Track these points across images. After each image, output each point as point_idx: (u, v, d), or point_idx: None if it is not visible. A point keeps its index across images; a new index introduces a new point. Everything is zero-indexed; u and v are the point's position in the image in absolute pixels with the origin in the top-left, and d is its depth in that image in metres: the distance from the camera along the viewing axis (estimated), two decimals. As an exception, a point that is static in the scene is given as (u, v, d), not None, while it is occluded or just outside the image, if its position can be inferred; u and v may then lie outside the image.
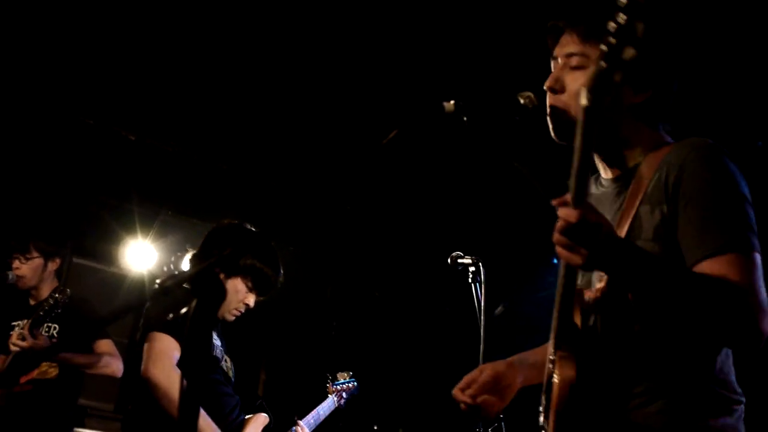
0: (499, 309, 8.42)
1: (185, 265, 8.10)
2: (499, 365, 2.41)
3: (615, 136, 2.24)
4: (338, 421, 5.47)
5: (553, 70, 2.29)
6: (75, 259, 7.92)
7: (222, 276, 3.86)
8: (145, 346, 3.81)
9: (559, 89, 2.22)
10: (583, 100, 1.70)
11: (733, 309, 1.92)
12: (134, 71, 6.22)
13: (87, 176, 7.48)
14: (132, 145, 7.02)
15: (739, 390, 2.13)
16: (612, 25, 1.61)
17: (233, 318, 4.15)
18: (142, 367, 3.76)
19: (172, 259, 8.33)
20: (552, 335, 2.05)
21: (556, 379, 1.98)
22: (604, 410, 2.07)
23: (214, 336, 4.06)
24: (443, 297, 9.03)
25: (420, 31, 5.55)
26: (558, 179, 2.00)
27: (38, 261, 5.32)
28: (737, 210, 2.04)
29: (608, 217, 2.16)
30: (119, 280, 8.38)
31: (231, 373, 4.20)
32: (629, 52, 1.60)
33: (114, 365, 5.30)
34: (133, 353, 5.59)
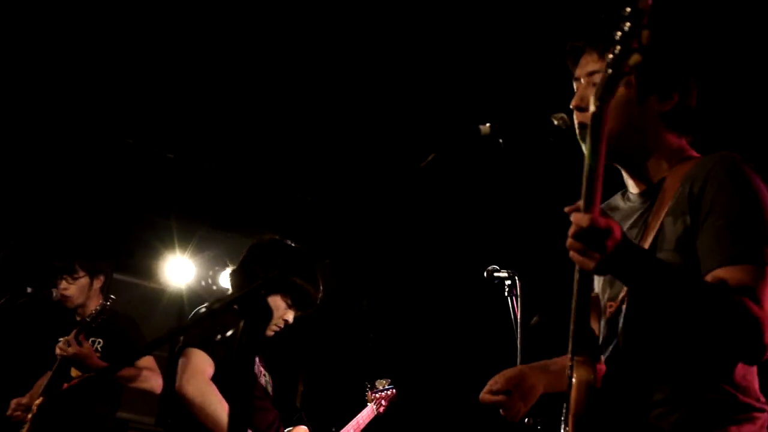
0: (535, 320, 8.40)
1: (223, 280, 8.24)
2: (523, 367, 2.51)
3: (641, 148, 2.28)
4: (375, 420, 5.51)
5: (576, 90, 2.34)
6: (115, 275, 8.01)
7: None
8: (180, 361, 3.84)
9: (584, 107, 2.25)
10: (591, 107, 1.76)
11: (737, 320, 1.94)
12: (171, 94, 6.33)
13: (127, 194, 7.60)
14: (170, 162, 7.12)
15: (762, 398, 2.14)
16: (617, 34, 1.67)
17: (272, 334, 4.15)
18: (177, 382, 3.81)
19: (210, 273, 8.43)
20: (570, 341, 2.09)
21: (573, 380, 2.01)
22: (624, 417, 2.10)
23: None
24: (478, 309, 9.03)
25: (456, 59, 5.66)
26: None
27: (84, 280, 5.39)
28: (757, 222, 2.06)
29: (635, 230, 2.22)
30: (158, 294, 8.49)
31: (270, 388, 4.24)
32: (635, 58, 1.66)
33: (153, 381, 5.32)
34: (171, 368, 5.69)
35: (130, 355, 5.32)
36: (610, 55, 1.69)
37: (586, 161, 1.79)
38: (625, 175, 2.39)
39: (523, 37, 5.28)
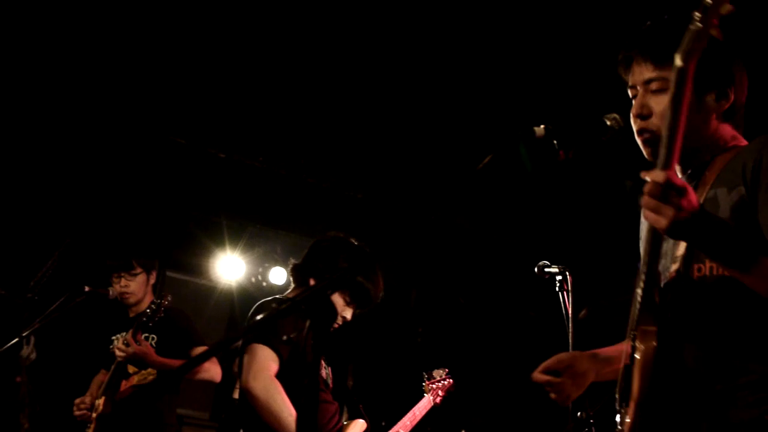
0: (583, 313, 8.40)
1: (273, 276, 8.33)
2: (576, 353, 2.54)
3: (695, 142, 2.31)
4: (427, 426, 5.53)
5: (632, 97, 2.38)
6: (167, 272, 8.12)
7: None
8: (246, 358, 3.86)
9: (646, 114, 2.31)
10: (678, 61, 1.80)
11: None
12: (224, 94, 6.43)
13: (179, 193, 7.74)
14: (221, 162, 7.22)
15: None
16: None
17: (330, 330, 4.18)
18: (242, 378, 3.85)
19: (260, 270, 8.56)
20: (635, 308, 2.13)
21: (639, 346, 2.04)
22: (688, 391, 2.11)
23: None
24: (527, 302, 9.04)
25: (513, 62, 5.75)
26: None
27: (142, 277, 5.50)
28: None
29: None
30: (209, 291, 8.63)
31: (329, 380, 4.29)
32: (726, 8, 1.69)
33: (213, 371, 5.38)
34: (226, 362, 5.76)
35: (184, 345, 5.36)
36: (698, 13, 1.72)
37: (667, 120, 1.84)
38: None
39: (577, 40, 5.31)
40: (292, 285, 4.28)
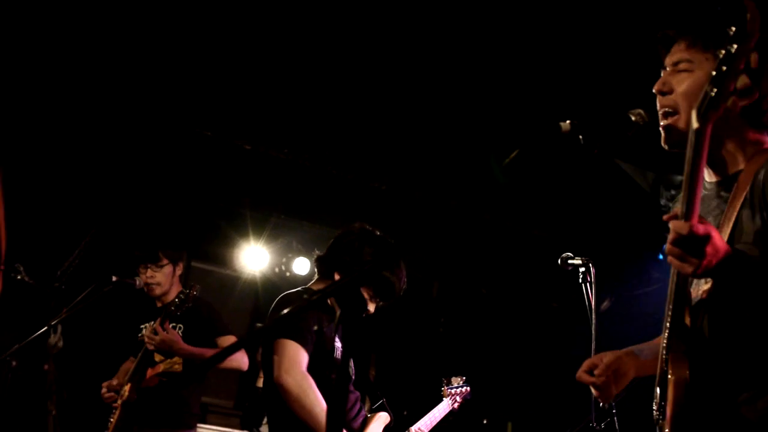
0: (605, 304, 8.42)
1: (297, 266, 8.38)
2: (618, 353, 2.56)
3: (720, 142, 2.31)
4: (449, 415, 5.58)
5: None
6: (192, 263, 8.19)
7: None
8: (277, 352, 3.88)
9: (666, 91, 2.33)
10: (694, 123, 1.82)
11: None
12: (248, 86, 6.47)
13: (204, 184, 7.79)
14: (245, 153, 7.27)
15: None
16: (722, 52, 1.72)
17: None
18: (275, 373, 3.85)
19: (284, 260, 8.62)
20: (664, 335, 2.16)
21: (670, 377, 2.08)
22: (718, 407, 2.14)
23: (336, 339, 4.18)
24: (550, 294, 9.06)
25: (538, 58, 5.76)
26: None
27: (168, 268, 5.57)
28: None
29: (710, 219, 2.28)
30: (233, 281, 8.69)
31: (350, 371, 4.33)
32: (743, 81, 1.71)
33: (240, 359, 5.41)
34: (251, 351, 5.81)
35: (211, 333, 5.44)
36: (714, 73, 1.75)
37: (686, 172, 1.87)
38: None
39: (604, 36, 5.31)
40: (316, 276, 4.29)
